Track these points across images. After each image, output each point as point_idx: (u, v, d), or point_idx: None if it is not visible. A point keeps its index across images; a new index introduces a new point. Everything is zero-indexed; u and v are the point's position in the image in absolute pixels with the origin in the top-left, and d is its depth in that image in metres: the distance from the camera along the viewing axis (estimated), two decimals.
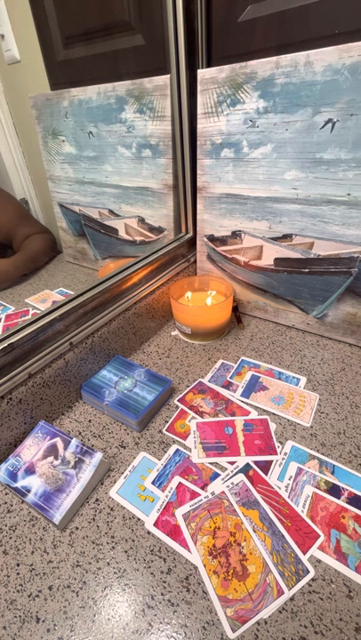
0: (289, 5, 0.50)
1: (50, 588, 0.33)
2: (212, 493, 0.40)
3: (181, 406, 0.52)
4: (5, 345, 0.44)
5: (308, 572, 0.33)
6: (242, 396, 0.53)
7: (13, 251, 0.96)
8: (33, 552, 0.36)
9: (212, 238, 0.69)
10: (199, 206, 0.67)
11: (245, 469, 0.42)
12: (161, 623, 0.31)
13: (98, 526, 0.38)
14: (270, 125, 0.53)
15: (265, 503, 0.39)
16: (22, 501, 0.41)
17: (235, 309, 0.71)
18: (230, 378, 0.57)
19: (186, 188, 0.68)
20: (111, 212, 0.82)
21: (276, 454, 0.44)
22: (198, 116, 0.59)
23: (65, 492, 0.39)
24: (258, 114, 0.53)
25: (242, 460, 0.43)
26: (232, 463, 0.43)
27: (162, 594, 0.33)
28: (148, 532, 0.37)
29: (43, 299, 0.80)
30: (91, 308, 0.55)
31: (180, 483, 0.41)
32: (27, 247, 0.95)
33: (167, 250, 0.69)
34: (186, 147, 0.63)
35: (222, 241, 0.68)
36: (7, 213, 0.92)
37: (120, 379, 0.54)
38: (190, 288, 0.71)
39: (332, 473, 0.42)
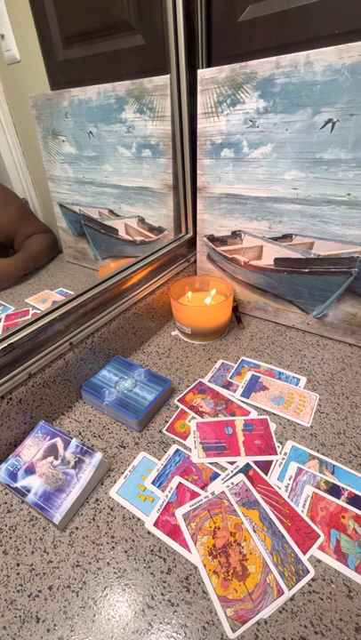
0: (289, 5, 0.50)
1: (50, 588, 0.33)
2: (212, 493, 0.40)
3: (181, 406, 0.52)
4: (5, 345, 0.44)
5: (308, 572, 0.33)
6: (242, 395, 0.53)
7: (14, 250, 0.96)
8: (33, 552, 0.36)
9: (212, 238, 0.69)
10: (199, 206, 0.67)
11: (245, 469, 0.42)
12: (161, 623, 0.31)
13: (98, 526, 0.38)
14: (270, 125, 0.53)
15: (265, 503, 0.39)
16: (22, 501, 0.41)
17: (235, 309, 0.71)
18: (230, 378, 0.57)
19: (186, 188, 0.68)
20: (111, 211, 0.82)
21: (276, 454, 0.44)
22: (198, 116, 0.59)
23: (65, 491, 0.39)
24: (258, 114, 0.53)
25: (242, 460, 0.43)
26: (232, 463, 0.43)
27: (162, 594, 0.33)
28: (148, 532, 0.37)
29: (43, 299, 0.80)
30: (91, 308, 0.55)
31: (180, 483, 0.41)
32: (27, 247, 0.95)
33: (167, 250, 0.69)
34: (186, 147, 0.63)
35: (222, 241, 0.68)
36: (9, 212, 0.92)
37: (120, 379, 0.54)
38: (190, 288, 0.71)
39: (332, 473, 0.42)
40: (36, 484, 0.40)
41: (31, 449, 0.43)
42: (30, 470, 0.41)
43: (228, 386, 0.55)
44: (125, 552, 0.36)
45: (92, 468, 0.41)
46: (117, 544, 0.36)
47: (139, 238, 0.80)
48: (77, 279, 0.91)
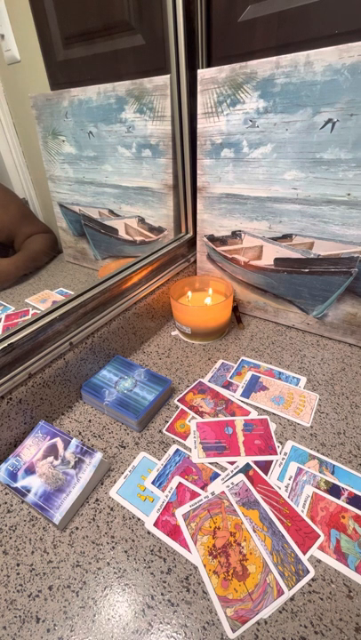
0: (289, 5, 0.50)
1: (50, 588, 0.33)
2: (212, 493, 0.40)
3: (181, 406, 0.52)
4: (5, 345, 0.44)
5: (308, 572, 0.33)
6: (242, 395, 0.53)
7: (14, 250, 0.96)
8: (33, 552, 0.36)
9: (212, 238, 0.69)
10: (199, 206, 0.67)
11: (245, 469, 0.42)
12: (161, 623, 0.31)
13: (98, 526, 0.38)
14: (270, 125, 0.53)
15: (265, 503, 0.39)
16: (22, 501, 0.41)
17: (235, 309, 0.71)
18: (230, 378, 0.57)
19: (186, 188, 0.68)
20: (111, 212, 0.82)
21: (276, 454, 0.44)
22: (198, 116, 0.59)
23: (65, 491, 0.39)
24: (258, 114, 0.53)
25: (242, 460, 0.43)
26: (232, 463, 0.43)
27: (162, 594, 0.33)
28: (148, 532, 0.37)
29: (43, 299, 0.80)
30: (91, 307, 0.55)
31: (180, 483, 0.41)
32: (27, 247, 0.95)
33: (167, 250, 0.69)
34: (186, 147, 0.63)
35: (222, 241, 0.68)
36: (9, 212, 0.92)
37: (120, 379, 0.54)
38: (190, 288, 0.71)
39: (332, 473, 0.42)
40: (36, 484, 0.40)
41: (31, 449, 0.43)
42: (30, 470, 0.41)
43: (228, 386, 0.55)
44: (125, 552, 0.36)
45: (92, 468, 0.41)
46: (117, 544, 0.36)
47: (139, 238, 0.80)
48: (77, 279, 0.91)
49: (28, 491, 0.39)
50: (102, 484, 0.42)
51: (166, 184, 0.68)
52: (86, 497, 0.41)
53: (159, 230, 0.75)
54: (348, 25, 0.47)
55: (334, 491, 0.40)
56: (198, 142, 0.61)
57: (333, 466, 0.42)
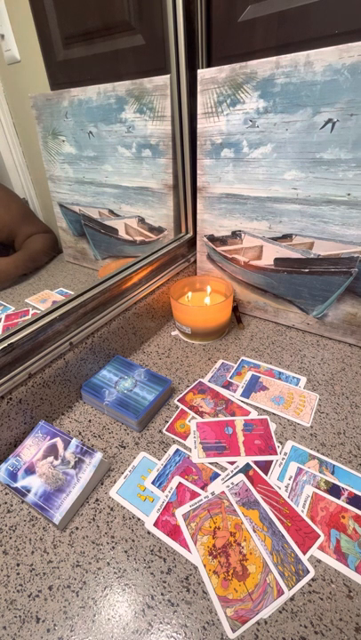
0: (289, 5, 0.50)
1: (50, 588, 0.33)
2: (212, 493, 0.40)
3: (181, 406, 0.52)
4: (5, 345, 0.44)
5: (308, 572, 0.33)
6: (242, 395, 0.53)
7: (14, 250, 0.96)
8: (33, 552, 0.36)
9: (212, 238, 0.69)
10: (199, 206, 0.67)
11: (245, 469, 0.42)
12: (161, 623, 0.31)
13: (98, 526, 0.38)
14: (270, 125, 0.53)
15: (265, 503, 0.39)
16: (22, 501, 0.41)
17: (235, 309, 0.71)
18: (230, 378, 0.57)
19: (186, 188, 0.68)
20: (111, 211, 0.82)
21: (276, 454, 0.44)
22: (198, 116, 0.59)
23: (65, 492, 0.39)
24: (258, 114, 0.53)
25: (242, 460, 0.43)
26: (232, 463, 0.43)
27: (162, 594, 0.33)
28: (148, 532, 0.37)
29: (43, 299, 0.80)
30: (91, 308, 0.55)
31: (180, 483, 0.41)
32: (28, 246, 0.95)
33: (167, 250, 0.69)
34: (186, 147, 0.63)
35: (222, 241, 0.68)
36: (10, 212, 0.92)
37: (120, 379, 0.54)
38: (190, 288, 0.71)
39: (333, 473, 0.42)
40: (36, 484, 0.40)
41: (31, 449, 0.43)
42: (30, 470, 0.41)
43: (228, 386, 0.55)
44: (125, 552, 0.36)
45: (92, 468, 0.41)
46: (117, 544, 0.36)
47: (139, 238, 0.80)
48: (77, 279, 0.91)
49: (28, 491, 0.39)
50: (102, 483, 0.42)
51: (166, 184, 0.68)
52: (86, 497, 0.41)
53: (159, 230, 0.75)
54: (348, 25, 0.47)
55: (334, 491, 0.40)
56: (198, 142, 0.61)
57: (333, 466, 0.42)
